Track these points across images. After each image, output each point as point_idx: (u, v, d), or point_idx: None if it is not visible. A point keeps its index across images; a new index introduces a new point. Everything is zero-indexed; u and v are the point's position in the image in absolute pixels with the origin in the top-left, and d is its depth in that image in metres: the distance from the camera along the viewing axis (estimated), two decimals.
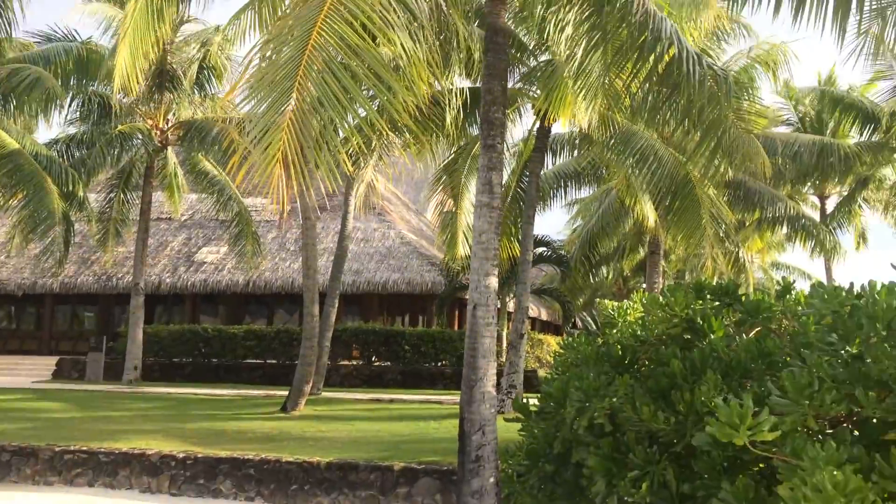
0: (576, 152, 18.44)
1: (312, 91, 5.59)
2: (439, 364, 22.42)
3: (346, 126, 5.85)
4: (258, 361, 23.02)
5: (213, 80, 22.13)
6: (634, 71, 8.37)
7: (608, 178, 19.64)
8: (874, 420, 3.28)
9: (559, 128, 16.02)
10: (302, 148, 5.44)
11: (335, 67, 5.71)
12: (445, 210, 17.34)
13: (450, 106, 10.53)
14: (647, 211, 16.49)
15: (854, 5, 7.03)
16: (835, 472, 2.71)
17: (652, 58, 8.07)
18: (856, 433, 3.33)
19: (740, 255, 20.52)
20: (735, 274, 20.52)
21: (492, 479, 7.40)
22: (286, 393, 15.96)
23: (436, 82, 9.30)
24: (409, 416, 14.75)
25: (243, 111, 13.78)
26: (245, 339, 23.25)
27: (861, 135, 23.49)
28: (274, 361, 22.88)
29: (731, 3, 8.33)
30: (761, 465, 3.57)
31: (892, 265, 4.17)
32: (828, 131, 25.17)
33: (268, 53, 6.12)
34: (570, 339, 5.90)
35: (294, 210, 23.91)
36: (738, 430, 3.09)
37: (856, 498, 2.63)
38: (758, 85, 18.95)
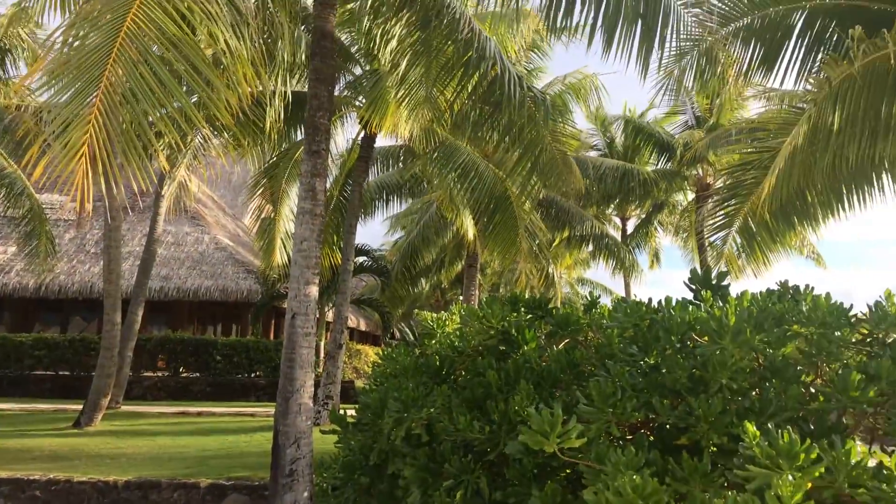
0: (400, 164, 18.65)
1: (124, 81, 5.21)
2: (253, 375, 21.70)
3: (161, 120, 5.49)
4: (49, 373, 21.07)
5: (7, 61, 20.05)
6: (459, 88, 8.60)
7: (431, 191, 20.04)
8: (668, 426, 3.54)
9: (385, 140, 16.13)
10: (110, 142, 5.05)
11: (151, 58, 5.36)
12: (264, 216, 16.85)
13: (272, 108, 10.25)
14: (468, 225, 16.97)
15: (656, 44, 7.69)
16: (634, 477, 2.89)
17: (476, 76, 8.33)
18: (652, 439, 3.59)
19: (550, 270, 21.66)
20: (545, 288, 21.65)
21: (306, 494, 7.23)
22: (80, 407, 14.74)
23: (259, 83, 9.02)
24: (218, 430, 14.11)
25: (41, 99, 12.62)
26: (34, 349, 21.20)
27: (658, 163, 25.71)
28: (67, 373, 21.05)
29: (548, 32, 8.81)
30: (568, 471, 3.75)
31: (684, 283, 4.56)
32: (631, 158, 27.30)
33: (73, 37, 5.62)
34: (389, 349, 5.90)
35: (96, 209, 22.19)
36: (548, 438, 3.21)
37: (652, 500, 2.82)
38: (571, 110, 20.18)
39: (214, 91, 6.01)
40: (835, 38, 8.49)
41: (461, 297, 22.92)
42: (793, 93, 10.52)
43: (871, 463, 2.95)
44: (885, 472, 2.81)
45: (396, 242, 30.89)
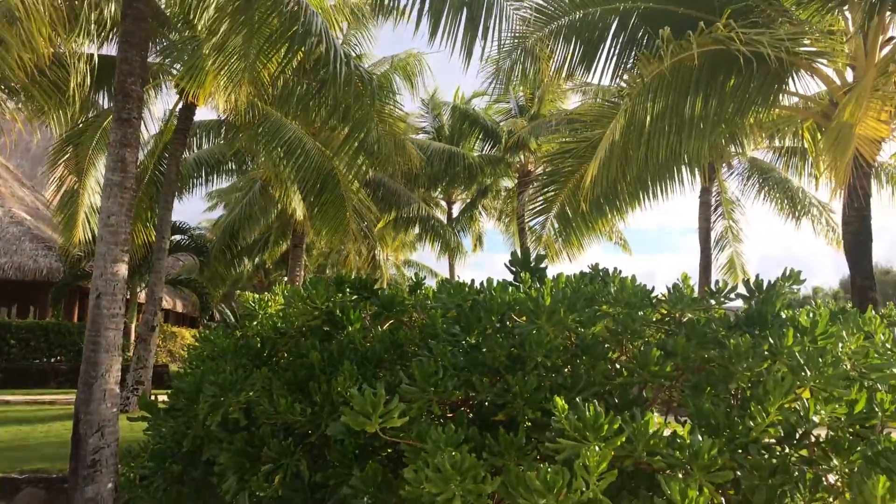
0: (222, 139, 17.88)
1: None
2: (53, 360, 20.05)
3: None
4: None
5: None
6: (283, 62, 8.35)
7: (256, 169, 19.41)
8: (487, 403, 3.67)
9: (208, 113, 15.38)
10: None
11: None
12: (66, 187, 15.53)
13: (76, 70, 9.44)
14: (296, 203, 16.62)
15: (480, 33, 7.89)
16: (453, 453, 2.96)
17: (301, 51, 8.13)
18: (472, 416, 3.70)
19: (377, 252, 21.76)
20: (372, 270, 21.71)
21: (110, 485, 6.80)
22: None
23: (61, 43, 8.28)
24: (11, 420, 12.92)
25: None
26: None
27: (483, 148, 26.51)
28: None
29: (375, 12, 8.78)
30: (390, 451, 3.78)
31: (505, 265, 4.73)
32: (458, 143, 27.95)
33: None
34: (207, 331, 5.66)
35: None
36: (370, 418, 3.21)
37: (469, 475, 2.90)
38: (399, 92, 20.30)
39: (5, 47, 5.43)
40: (646, 39, 9.14)
41: (286, 279, 22.47)
42: (608, 88, 11.21)
43: (667, 432, 3.21)
44: (678, 440, 3.07)
45: (218, 220, 29.68)
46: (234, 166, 19.96)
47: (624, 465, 3.03)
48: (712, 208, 21.02)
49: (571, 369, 3.75)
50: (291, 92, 8.83)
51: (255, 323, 5.66)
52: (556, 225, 10.54)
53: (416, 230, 25.60)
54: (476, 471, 2.92)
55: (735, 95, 7.36)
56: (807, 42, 6.95)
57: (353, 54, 17.90)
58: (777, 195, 20.60)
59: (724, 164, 20.90)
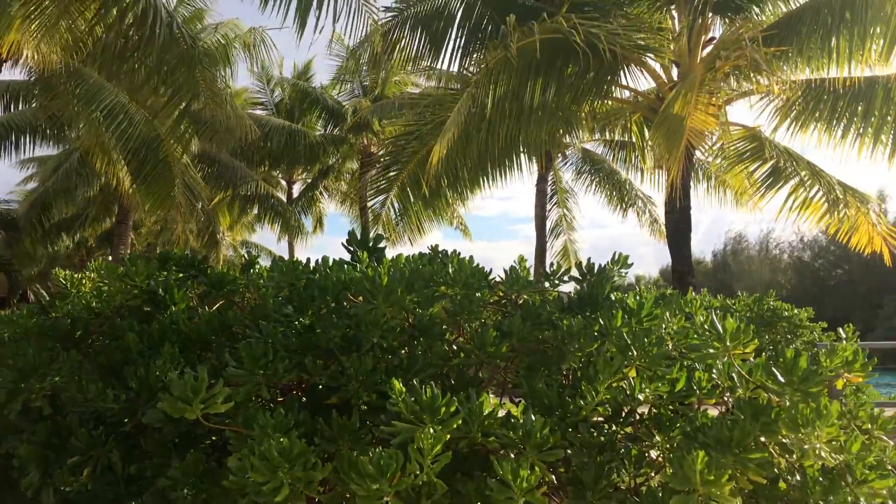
0: (35, 102, 16.33)
1: None
2: None
3: None
4: None
5: None
6: (94, 19, 7.70)
7: (75, 140, 17.90)
8: (320, 386, 3.53)
9: (15, 73, 13.91)
10: None
11: None
12: None
13: None
14: (122, 175, 15.47)
15: (315, 4, 7.65)
16: (282, 440, 2.81)
17: (116, 9, 7.54)
18: (304, 400, 3.55)
19: (213, 230, 20.84)
20: (207, 250, 20.76)
21: None
22: None
23: None
24: None
25: None
26: None
27: (326, 128, 26.04)
28: None
29: None
30: (214, 438, 3.56)
31: (342, 244, 4.60)
32: (298, 120, 27.27)
33: None
34: (8, 311, 5.11)
35: None
36: (191, 404, 2.99)
37: (299, 462, 2.76)
38: (234, 61, 19.40)
39: None
40: (490, 28, 9.27)
41: (111, 257, 21.01)
42: (452, 73, 11.30)
43: (501, 413, 3.22)
44: (512, 420, 3.08)
45: (33, 191, 27.24)
46: (51, 132, 18.30)
47: (459, 446, 3.00)
48: (548, 196, 21.84)
49: (408, 351, 3.69)
50: (111, 52, 8.14)
51: (66, 303, 5.18)
52: (398, 206, 10.51)
53: (255, 210, 24.77)
54: (306, 457, 2.79)
55: (572, 84, 7.63)
56: (638, 37, 7.32)
57: (186, 13, 16.95)
58: (606, 186, 21.76)
59: (559, 154, 21.78)
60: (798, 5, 8.23)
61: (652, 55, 7.69)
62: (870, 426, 3.70)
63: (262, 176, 26.37)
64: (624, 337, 3.36)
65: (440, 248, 4.58)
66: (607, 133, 19.20)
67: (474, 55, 8.81)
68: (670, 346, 3.61)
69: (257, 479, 2.74)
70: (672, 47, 7.83)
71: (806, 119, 8.81)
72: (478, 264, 4.05)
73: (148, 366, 3.67)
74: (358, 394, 3.32)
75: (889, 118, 7.95)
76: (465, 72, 8.83)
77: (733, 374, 3.47)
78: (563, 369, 3.65)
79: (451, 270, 4.05)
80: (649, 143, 7.06)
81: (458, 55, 9.01)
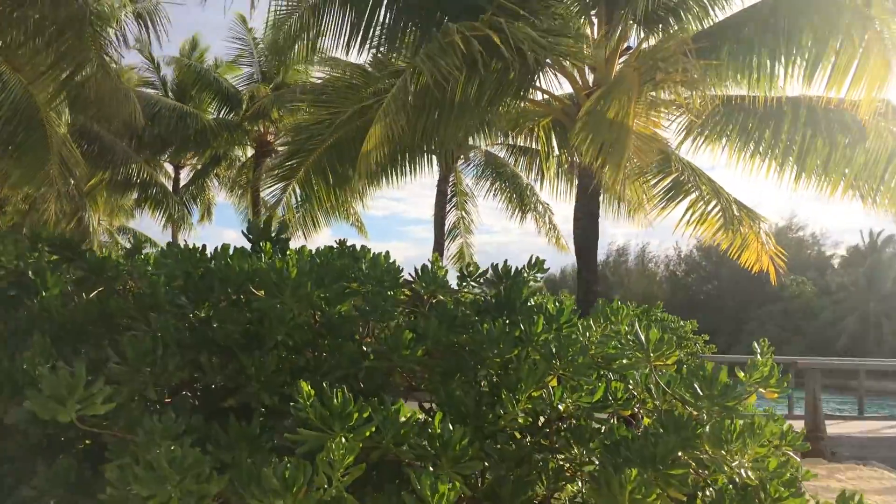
0: None
1: None
2: None
3: None
4: None
5: None
6: None
7: None
8: (215, 387, 3.23)
9: None
10: None
11: None
12: None
13: None
14: None
15: None
16: (171, 447, 2.51)
17: None
18: (197, 402, 3.24)
19: (87, 214, 19.64)
20: (80, 234, 19.52)
21: None
22: None
23: None
24: None
25: None
26: None
27: (219, 112, 25.07)
28: None
29: None
30: (88, 443, 3.19)
31: (242, 232, 4.29)
32: (189, 102, 26.14)
33: None
34: None
35: None
36: (64, 404, 2.63)
37: (192, 473, 2.47)
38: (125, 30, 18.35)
39: None
40: (423, 13, 8.95)
41: None
42: (359, 64, 11.04)
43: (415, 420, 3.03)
44: (428, 429, 2.90)
45: None
46: None
47: (370, 457, 2.79)
48: (448, 198, 21.83)
49: (315, 350, 3.44)
50: None
51: None
52: (294, 199, 10.13)
53: (136, 194, 23.55)
54: (200, 467, 2.50)
55: (495, 80, 7.53)
56: (560, 41, 7.30)
57: None
58: (507, 191, 21.94)
59: (460, 156, 21.80)
60: (715, 22, 8.42)
61: (572, 61, 7.69)
62: (779, 442, 3.74)
63: (146, 159, 25.11)
64: (549, 344, 3.23)
65: (349, 243, 4.34)
66: (511, 138, 19.40)
67: (405, 39, 8.56)
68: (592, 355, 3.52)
69: (142, 491, 2.43)
70: (589, 52, 7.85)
71: (716, 135, 9.05)
72: (394, 261, 3.85)
73: (13, 357, 3.26)
74: (259, 396, 3.05)
75: (796, 140, 8.23)
76: (393, 58, 8.55)
77: (650, 386, 3.42)
78: (480, 376, 3.49)
79: (363, 266, 3.82)
80: (575, 145, 7.04)
81: (385, 39, 8.72)
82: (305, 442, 2.64)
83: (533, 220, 22.24)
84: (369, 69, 8.84)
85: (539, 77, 8.42)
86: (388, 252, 3.92)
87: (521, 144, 20.09)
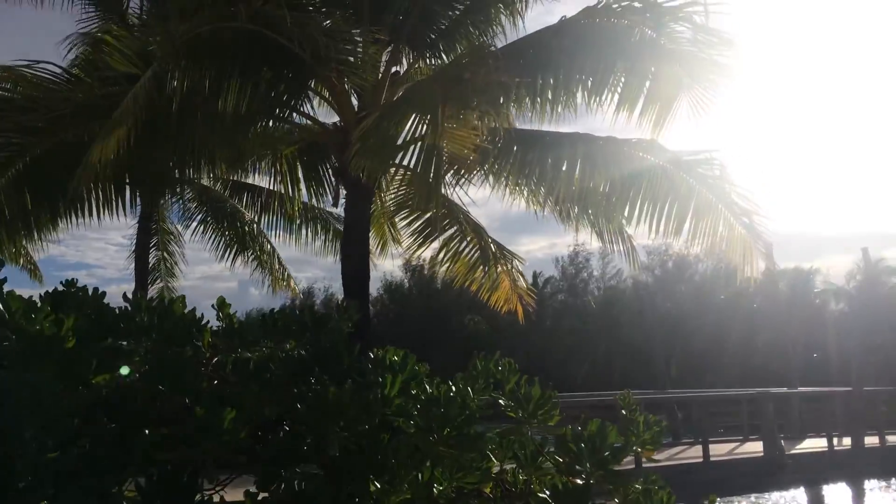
0: None
1: None
2: None
3: None
4: None
5: None
6: None
7: None
8: None
9: None
10: None
11: None
12: None
13: None
14: None
15: None
16: None
17: None
18: None
19: None
20: None
21: None
22: None
23: None
24: None
25: None
26: None
27: None
28: None
29: None
30: None
31: None
32: None
33: None
34: None
35: None
36: None
37: None
38: None
39: None
40: None
41: None
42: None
43: None
44: None
45: None
46: None
47: None
48: (151, 234, 19.66)
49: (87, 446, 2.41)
50: None
51: None
52: None
53: None
54: None
55: (259, 94, 6.56)
56: (341, 52, 6.59)
57: None
58: (225, 230, 20.40)
59: (167, 190, 19.86)
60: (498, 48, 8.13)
61: (350, 76, 6.93)
62: None
63: None
64: (428, 413, 2.56)
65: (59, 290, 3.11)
66: (238, 173, 17.93)
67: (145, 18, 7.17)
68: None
69: None
70: (365, 74, 7.16)
71: (493, 169, 8.57)
72: (193, 308, 2.91)
73: None
74: None
75: (559, 178, 8.04)
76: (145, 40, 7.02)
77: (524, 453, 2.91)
78: (323, 458, 2.71)
79: (144, 317, 2.84)
80: (354, 171, 6.26)
81: None
82: None
83: (254, 262, 20.87)
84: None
85: (308, 99, 7.62)
86: (183, 296, 2.99)
87: (242, 180, 18.75)
